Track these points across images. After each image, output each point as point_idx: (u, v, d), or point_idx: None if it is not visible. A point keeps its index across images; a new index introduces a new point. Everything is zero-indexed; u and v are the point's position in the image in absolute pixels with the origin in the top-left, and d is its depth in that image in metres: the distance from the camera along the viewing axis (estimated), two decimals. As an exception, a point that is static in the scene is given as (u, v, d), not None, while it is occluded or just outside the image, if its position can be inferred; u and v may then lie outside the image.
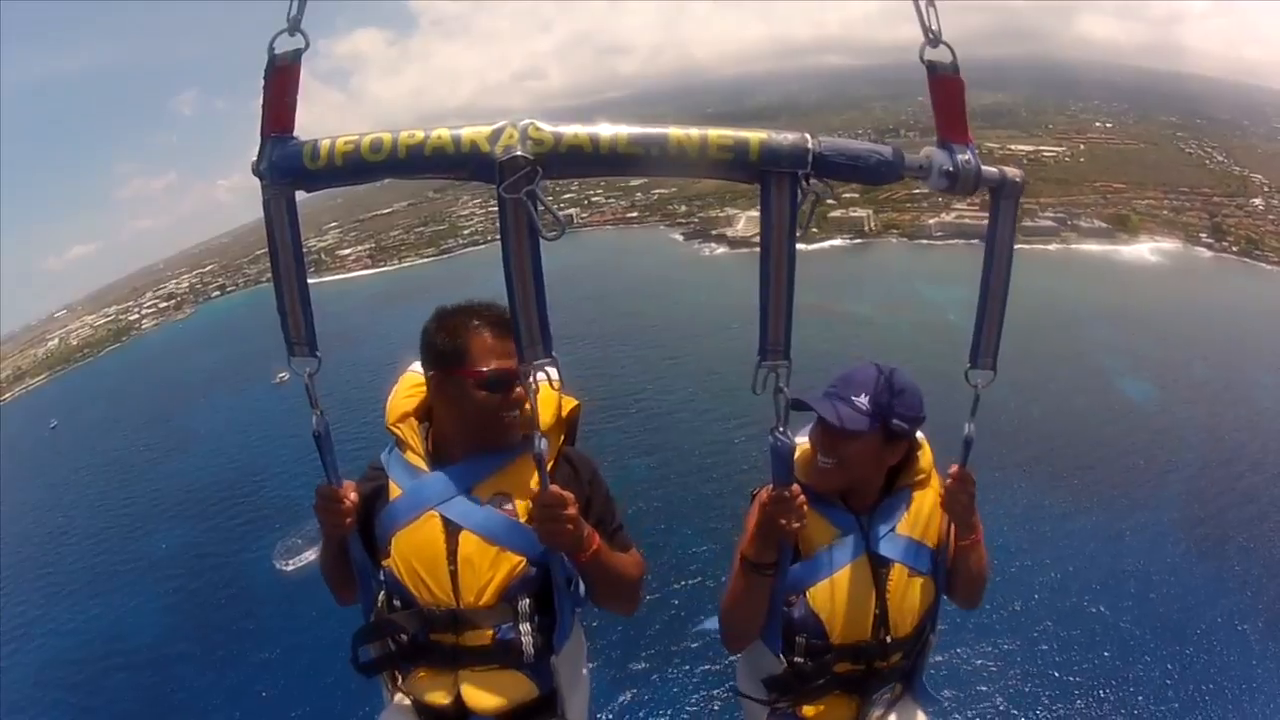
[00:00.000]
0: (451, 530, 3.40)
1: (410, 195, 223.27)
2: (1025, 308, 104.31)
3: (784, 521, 3.25)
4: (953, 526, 3.73)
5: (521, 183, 2.58)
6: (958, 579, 3.80)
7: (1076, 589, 52.35)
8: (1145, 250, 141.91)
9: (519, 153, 2.58)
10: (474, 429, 3.51)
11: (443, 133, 2.69)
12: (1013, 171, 3.05)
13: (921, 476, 3.86)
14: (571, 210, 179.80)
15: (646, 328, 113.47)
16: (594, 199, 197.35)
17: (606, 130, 2.66)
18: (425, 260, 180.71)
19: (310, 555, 65.29)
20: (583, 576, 3.58)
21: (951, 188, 2.88)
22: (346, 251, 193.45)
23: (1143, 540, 58.24)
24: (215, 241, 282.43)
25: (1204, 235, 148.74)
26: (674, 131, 2.67)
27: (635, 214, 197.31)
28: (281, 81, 2.83)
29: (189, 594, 67.36)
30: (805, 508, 3.33)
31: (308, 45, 2.77)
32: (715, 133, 2.67)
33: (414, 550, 3.43)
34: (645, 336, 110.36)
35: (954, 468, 3.59)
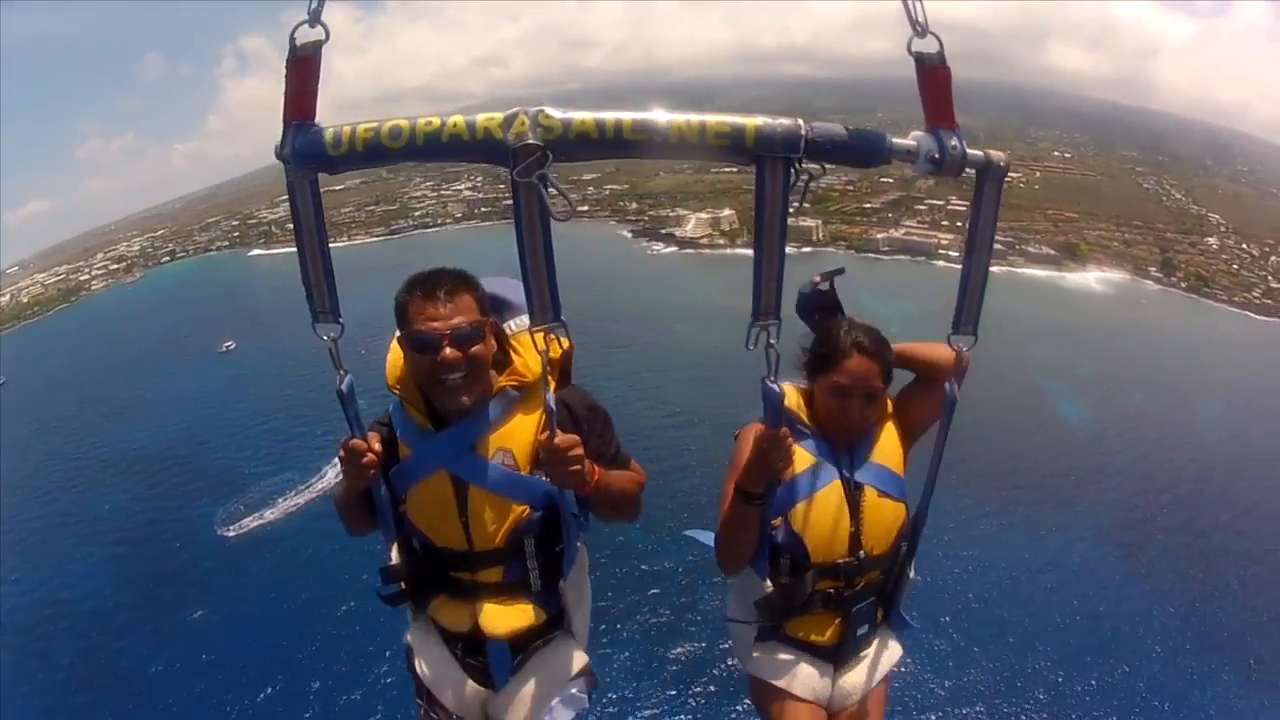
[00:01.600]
0: (460, 486, 3.75)
1: (363, 173, 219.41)
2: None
3: (775, 459, 3.59)
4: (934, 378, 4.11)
5: (533, 167, 2.79)
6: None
7: (991, 593, 54.13)
8: (1091, 279, 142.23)
9: (530, 139, 2.78)
10: (423, 390, 3.78)
11: (458, 120, 2.88)
12: (996, 154, 3.25)
13: (886, 416, 4.27)
14: None
15: (591, 318, 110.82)
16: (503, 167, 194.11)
17: (611, 116, 2.85)
18: (374, 239, 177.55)
19: (250, 523, 68.17)
20: (588, 503, 3.99)
21: (937, 171, 3.09)
22: None
23: (1063, 549, 60.55)
24: (167, 207, 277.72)
25: (1153, 269, 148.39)
26: (676, 118, 2.86)
27: (586, 208, 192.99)
28: (303, 71, 2.99)
29: (133, 555, 67.61)
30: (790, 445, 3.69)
31: (328, 36, 2.93)
32: (714, 119, 2.87)
33: (428, 504, 3.81)
34: (590, 326, 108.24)
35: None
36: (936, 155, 3.03)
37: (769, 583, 4.09)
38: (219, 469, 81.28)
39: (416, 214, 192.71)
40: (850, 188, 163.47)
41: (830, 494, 4.06)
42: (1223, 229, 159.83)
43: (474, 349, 3.61)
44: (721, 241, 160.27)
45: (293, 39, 2.91)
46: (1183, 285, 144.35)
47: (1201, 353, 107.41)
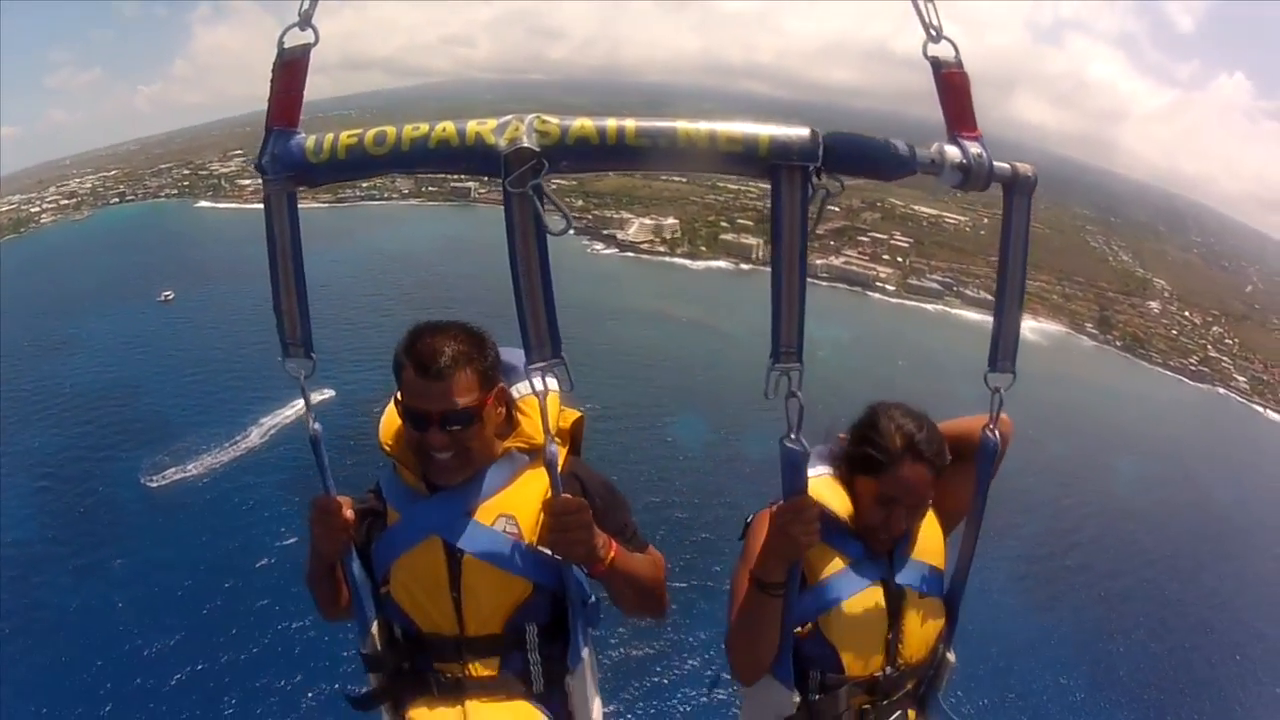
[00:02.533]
0: (454, 556, 3.33)
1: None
2: (893, 352, 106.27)
3: (798, 533, 3.11)
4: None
5: (527, 176, 2.61)
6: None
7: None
8: (1026, 328, 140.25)
9: (525, 145, 2.62)
10: (415, 457, 3.43)
11: (447, 125, 2.71)
12: (1024, 167, 3.11)
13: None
14: (471, 184, 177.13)
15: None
16: (498, 181, 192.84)
17: (614, 123, 2.68)
18: (320, 205, 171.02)
19: (173, 474, 68.76)
20: (605, 588, 3.47)
21: (964, 183, 2.97)
22: (246, 182, 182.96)
23: (977, 599, 60.33)
24: (123, 147, 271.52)
25: (1089, 325, 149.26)
26: (682, 125, 2.70)
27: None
28: (289, 75, 2.89)
29: (59, 493, 68.13)
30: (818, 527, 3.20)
31: (317, 40, 2.84)
32: (724, 126, 2.72)
33: (415, 578, 3.38)
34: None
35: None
36: (963, 163, 2.95)
37: (796, 694, 3.54)
38: (147, 417, 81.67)
39: (364, 185, 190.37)
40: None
41: (868, 598, 3.59)
42: (1167, 294, 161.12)
43: (464, 433, 3.30)
44: (662, 249, 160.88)
45: (281, 42, 2.85)
46: (1118, 344, 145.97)
47: (1127, 409, 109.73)
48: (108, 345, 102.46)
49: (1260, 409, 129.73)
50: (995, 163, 2.98)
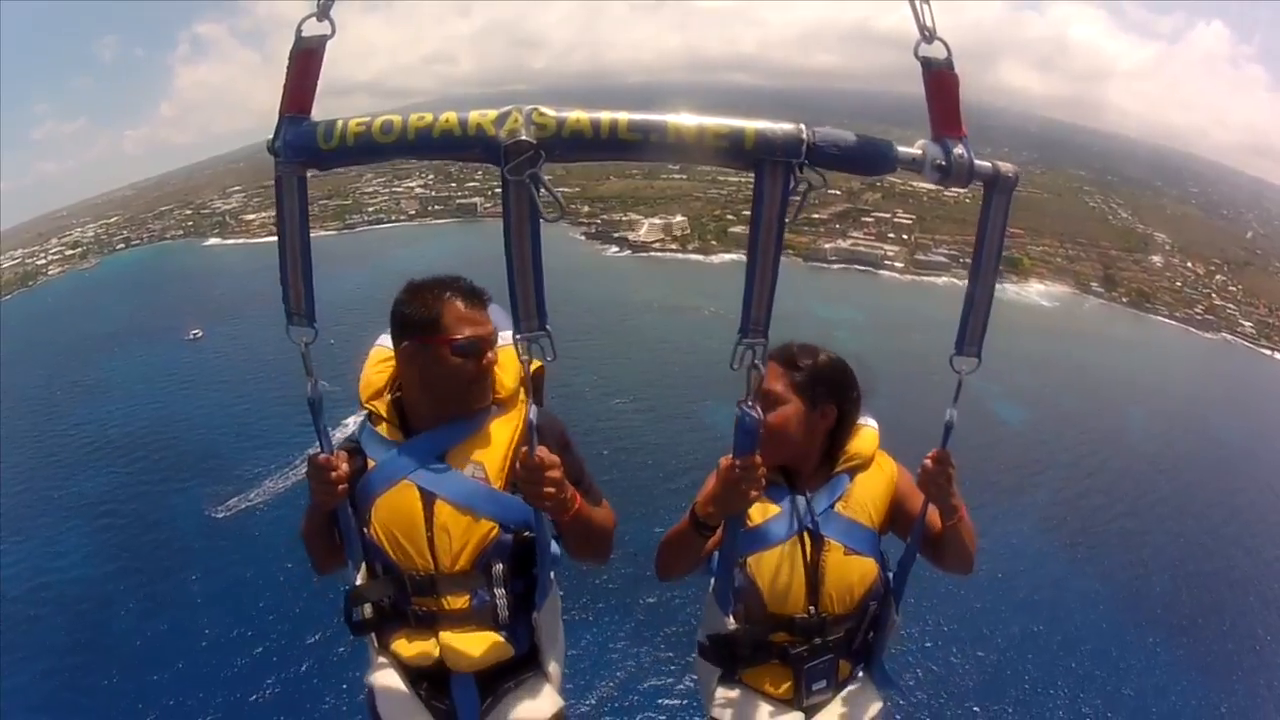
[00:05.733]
0: (427, 498, 3.54)
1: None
2: (908, 327, 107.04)
3: (744, 488, 3.27)
4: (934, 508, 3.74)
5: (525, 165, 2.72)
6: (945, 553, 3.88)
7: (942, 590, 54.18)
8: (1033, 292, 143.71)
9: (523, 136, 2.73)
10: (444, 396, 3.65)
11: (450, 116, 2.84)
12: (1006, 166, 3.12)
13: (858, 461, 3.96)
14: (477, 200, 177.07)
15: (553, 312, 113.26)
16: (499, 190, 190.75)
17: (607, 116, 2.80)
18: (328, 233, 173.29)
19: (238, 503, 69.36)
20: (563, 534, 3.79)
21: (944, 181, 2.97)
22: (251, 217, 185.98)
23: (1005, 543, 62.45)
24: (118, 193, 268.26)
25: (1095, 284, 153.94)
26: (672, 119, 2.81)
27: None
28: (304, 64, 2.99)
29: (119, 535, 68.22)
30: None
31: (334, 31, 2.95)
32: (712, 121, 2.81)
33: (393, 519, 3.57)
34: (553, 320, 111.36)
35: (932, 451, 3.64)
36: (942, 164, 2.95)
37: (731, 619, 3.82)
38: (201, 450, 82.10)
39: (370, 210, 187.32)
40: (797, 197, 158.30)
41: (789, 546, 3.79)
42: (1168, 247, 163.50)
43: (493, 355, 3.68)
44: (673, 246, 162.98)
45: (299, 30, 2.94)
46: (1124, 300, 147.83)
47: (1137, 363, 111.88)
48: (145, 385, 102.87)
49: (1268, 352, 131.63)
50: (977, 161, 3.02)
